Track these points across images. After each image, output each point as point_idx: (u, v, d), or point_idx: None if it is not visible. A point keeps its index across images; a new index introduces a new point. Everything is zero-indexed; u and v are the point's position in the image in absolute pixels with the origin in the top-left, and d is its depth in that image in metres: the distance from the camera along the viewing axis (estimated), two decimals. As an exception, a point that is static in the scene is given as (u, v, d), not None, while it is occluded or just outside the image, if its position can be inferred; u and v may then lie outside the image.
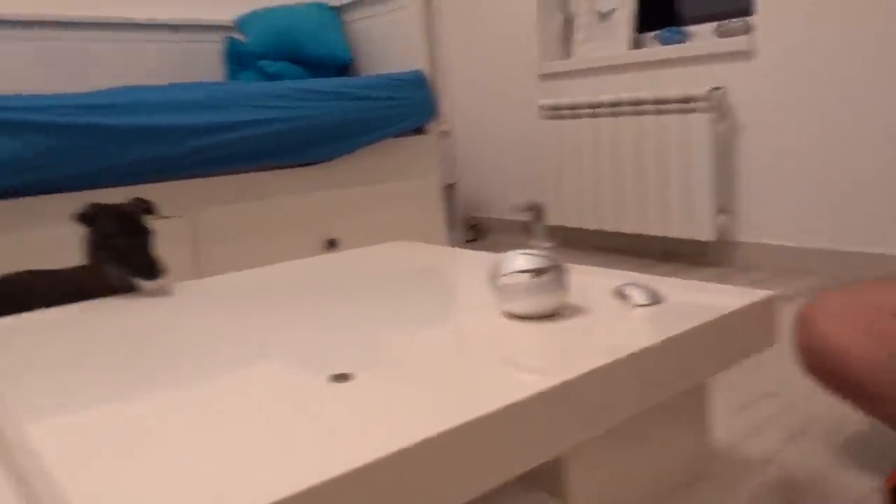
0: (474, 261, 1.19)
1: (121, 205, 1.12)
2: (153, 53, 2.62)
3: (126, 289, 1.14)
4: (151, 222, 1.13)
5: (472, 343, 0.76)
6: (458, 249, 1.30)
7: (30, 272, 1.25)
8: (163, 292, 1.09)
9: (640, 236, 2.68)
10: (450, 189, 3.35)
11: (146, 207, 1.15)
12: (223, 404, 0.63)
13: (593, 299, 0.91)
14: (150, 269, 1.10)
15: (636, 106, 2.46)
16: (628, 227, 2.55)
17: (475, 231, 3.42)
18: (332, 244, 2.02)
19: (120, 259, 1.10)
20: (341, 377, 0.66)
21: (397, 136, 2.13)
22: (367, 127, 2.01)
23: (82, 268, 1.18)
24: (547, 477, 0.76)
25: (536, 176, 3.09)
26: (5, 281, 1.24)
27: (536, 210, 3.04)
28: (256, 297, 1.02)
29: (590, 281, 1.00)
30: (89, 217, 1.10)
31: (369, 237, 2.10)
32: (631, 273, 1.03)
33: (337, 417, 0.58)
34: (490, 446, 0.59)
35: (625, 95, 2.48)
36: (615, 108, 2.53)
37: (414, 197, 2.20)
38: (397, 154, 2.15)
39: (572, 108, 2.68)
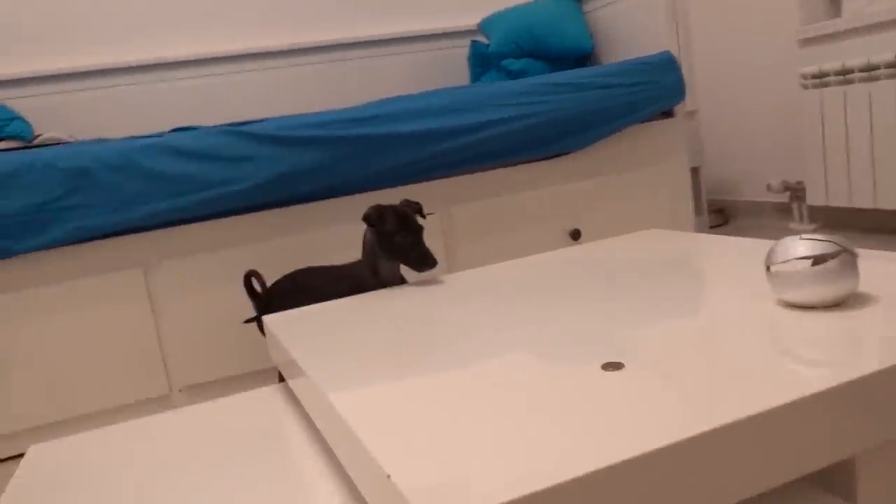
0: (732, 247, 1.12)
1: (397, 206, 1.24)
2: (406, 64, 2.84)
3: (396, 282, 1.26)
4: (420, 220, 1.24)
5: (747, 333, 0.72)
6: (713, 236, 1.23)
7: (312, 269, 1.44)
8: (435, 281, 1.19)
9: (932, 214, 2.32)
10: (694, 172, 3.17)
11: (417, 208, 1.27)
12: (501, 386, 0.67)
13: (888, 287, 0.81)
14: (425, 260, 1.21)
15: (925, 63, 2.13)
16: (917, 205, 2.22)
17: (720, 215, 3.21)
18: (576, 235, 2.02)
19: (399, 253, 1.22)
20: (614, 366, 0.67)
21: (645, 121, 2.07)
22: (614, 115, 1.98)
23: (357, 263, 1.33)
24: (838, 478, 0.70)
25: (793, 152, 2.81)
26: (292, 277, 1.44)
27: (796, 190, 2.76)
28: (517, 287, 1.07)
29: (882, 267, 0.90)
30: (373, 218, 1.23)
31: (614, 226, 2.07)
32: (934, 257, 0.90)
33: (613, 406, 0.59)
34: (768, 444, 0.56)
35: (910, 53, 2.16)
36: (897, 68, 2.21)
37: (660, 183, 2.12)
38: (643, 140, 2.09)
39: (842, 73, 2.39)
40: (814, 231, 2.69)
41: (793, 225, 2.80)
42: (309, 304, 1.20)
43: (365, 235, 1.28)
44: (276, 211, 1.73)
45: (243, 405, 1.04)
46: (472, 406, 0.63)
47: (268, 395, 1.06)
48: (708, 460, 0.53)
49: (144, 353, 1.62)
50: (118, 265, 1.61)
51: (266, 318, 1.13)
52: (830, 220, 2.71)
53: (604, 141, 2.04)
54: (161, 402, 1.66)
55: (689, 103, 2.13)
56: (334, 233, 1.77)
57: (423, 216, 1.28)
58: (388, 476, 0.52)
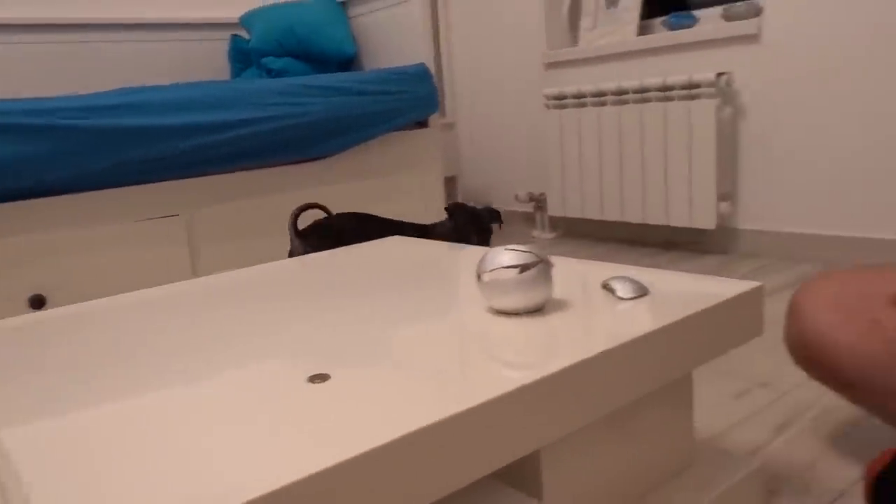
0: (464, 256, 1.19)
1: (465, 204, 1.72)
2: (162, 53, 2.65)
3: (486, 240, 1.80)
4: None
5: (455, 339, 0.77)
6: (448, 245, 1.30)
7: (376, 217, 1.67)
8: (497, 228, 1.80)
9: (642, 226, 2.67)
10: (451, 182, 3.35)
11: (494, 209, 1.81)
12: (198, 405, 0.64)
13: (581, 293, 0.91)
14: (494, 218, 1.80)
15: (641, 94, 2.45)
16: (631, 217, 2.55)
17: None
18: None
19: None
20: (319, 377, 0.67)
21: (400, 129, 2.14)
22: (370, 121, 2.02)
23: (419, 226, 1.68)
24: (523, 473, 0.77)
25: (541, 166, 3.09)
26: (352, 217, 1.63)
27: (539, 201, 3.03)
28: (247, 295, 1.04)
29: (581, 274, 1.01)
30: (450, 212, 1.74)
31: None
32: (621, 266, 1.03)
33: (313, 418, 0.59)
34: (467, 442, 0.59)
35: (629, 83, 2.47)
36: (620, 96, 2.52)
37: (413, 190, 2.20)
38: (398, 147, 2.16)
39: (577, 96, 2.67)
40: (553, 239, 2.97)
41: (535, 233, 3.07)
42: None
43: (445, 226, 1.76)
44: (-14, 207, 1.51)
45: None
46: (165, 428, 0.60)
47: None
48: (403, 463, 0.55)
49: None
50: None
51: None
52: (569, 229, 3.01)
53: (362, 146, 2.07)
54: None
55: (448, 115, 2.25)
56: (60, 235, 1.59)
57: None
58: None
